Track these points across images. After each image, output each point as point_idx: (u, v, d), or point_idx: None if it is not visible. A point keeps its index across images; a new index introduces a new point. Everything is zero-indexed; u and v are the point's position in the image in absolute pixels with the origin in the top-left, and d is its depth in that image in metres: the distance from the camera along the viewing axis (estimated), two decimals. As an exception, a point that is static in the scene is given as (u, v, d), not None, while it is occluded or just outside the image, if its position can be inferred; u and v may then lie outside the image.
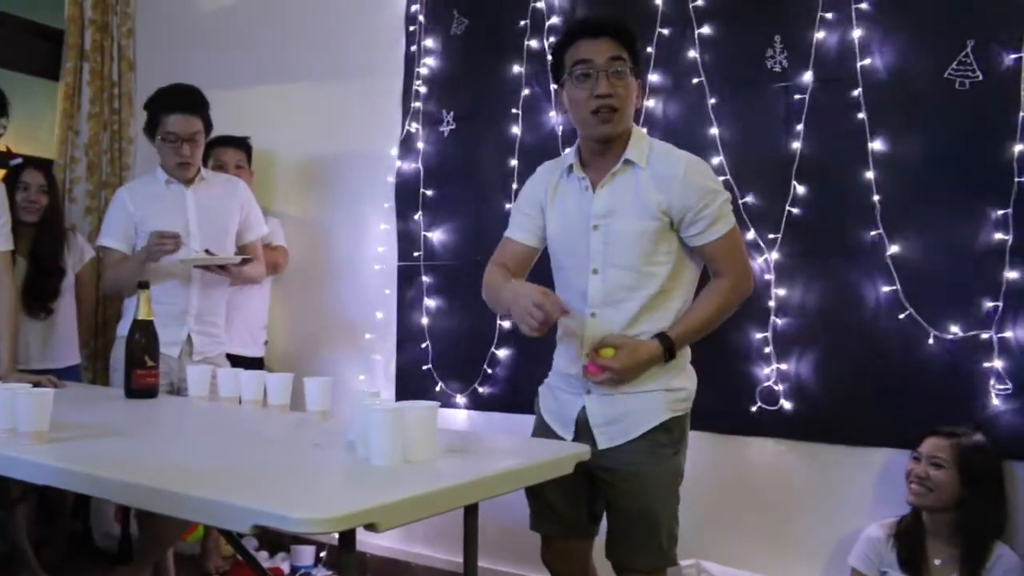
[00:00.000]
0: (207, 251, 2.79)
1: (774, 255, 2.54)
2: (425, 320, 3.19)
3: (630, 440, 1.95)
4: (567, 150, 2.13)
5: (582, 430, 2.01)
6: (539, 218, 2.13)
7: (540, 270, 2.19)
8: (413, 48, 3.25)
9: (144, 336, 2.39)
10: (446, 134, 3.19)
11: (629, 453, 1.95)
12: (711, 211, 1.93)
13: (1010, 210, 2.26)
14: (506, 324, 3.00)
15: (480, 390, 3.06)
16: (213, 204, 2.88)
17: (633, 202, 1.95)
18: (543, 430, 2.10)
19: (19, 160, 3.22)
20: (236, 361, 2.98)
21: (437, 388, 3.14)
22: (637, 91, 2.00)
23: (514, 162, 3.01)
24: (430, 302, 3.19)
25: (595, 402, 1.99)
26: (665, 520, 1.96)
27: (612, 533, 2.02)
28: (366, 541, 3.14)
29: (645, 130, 2.23)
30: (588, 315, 1.99)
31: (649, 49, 2.73)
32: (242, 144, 3.38)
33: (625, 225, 1.95)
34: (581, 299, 2.01)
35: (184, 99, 2.78)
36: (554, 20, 2.96)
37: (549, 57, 2.93)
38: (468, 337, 3.10)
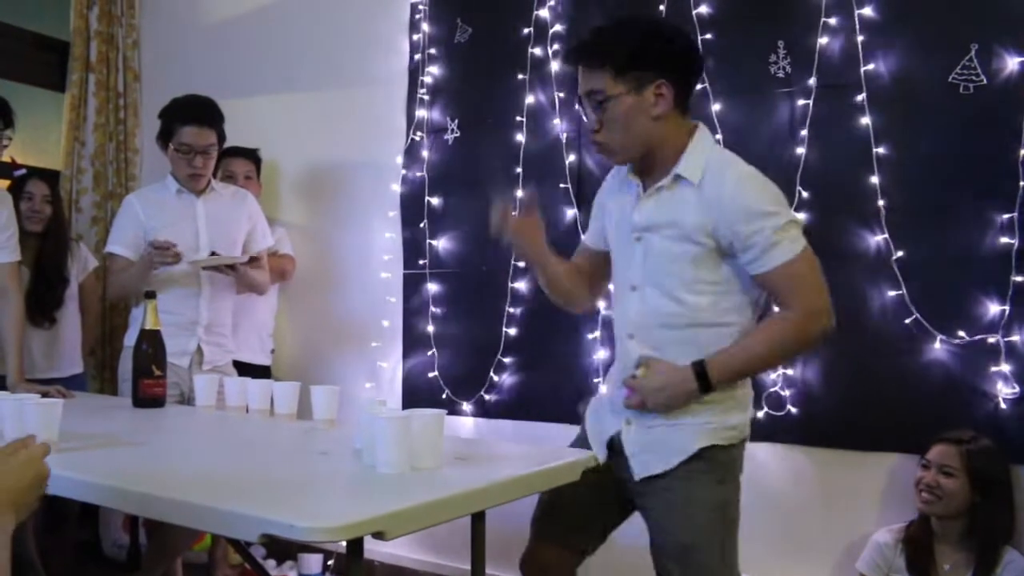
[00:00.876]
0: (213, 252, 2.80)
1: (779, 260, 2.53)
2: (431, 328, 3.19)
3: (665, 470, 1.80)
4: None
5: (617, 455, 1.87)
6: (600, 219, 2.01)
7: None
8: (417, 56, 3.26)
9: (151, 346, 2.40)
10: (450, 142, 3.20)
11: (663, 484, 1.81)
12: (764, 236, 1.68)
13: (1016, 214, 2.25)
14: (512, 331, 3.00)
15: (487, 397, 3.06)
16: (222, 215, 2.90)
17: (674, 221, 1.76)
18: (582, 443, 1.97)
19: (23, 171, 3.25)
20: (244, 369, 3.00)
21: (443, 396, 3.13)
22: (651, 101, 1.74)
23: (519, 169, 3.01)
24: (436, 310, 3.19)
25: (631, 431, 1.85)
26: (710, 555, 1.80)
27: (657, 571, 1.87)
28: (374, 549, 3.14)
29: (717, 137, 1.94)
30: (627, 335, 1.85)
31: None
32: (252, 155, 3.40)
33: (664, 245, 1.78)
34: (624, 318, 1.87)
35: (200, 111, 2.80)
36: (557, 28, 2.96)
37: (553, 64, 2.96)
38: (474, 345, 3.10)
